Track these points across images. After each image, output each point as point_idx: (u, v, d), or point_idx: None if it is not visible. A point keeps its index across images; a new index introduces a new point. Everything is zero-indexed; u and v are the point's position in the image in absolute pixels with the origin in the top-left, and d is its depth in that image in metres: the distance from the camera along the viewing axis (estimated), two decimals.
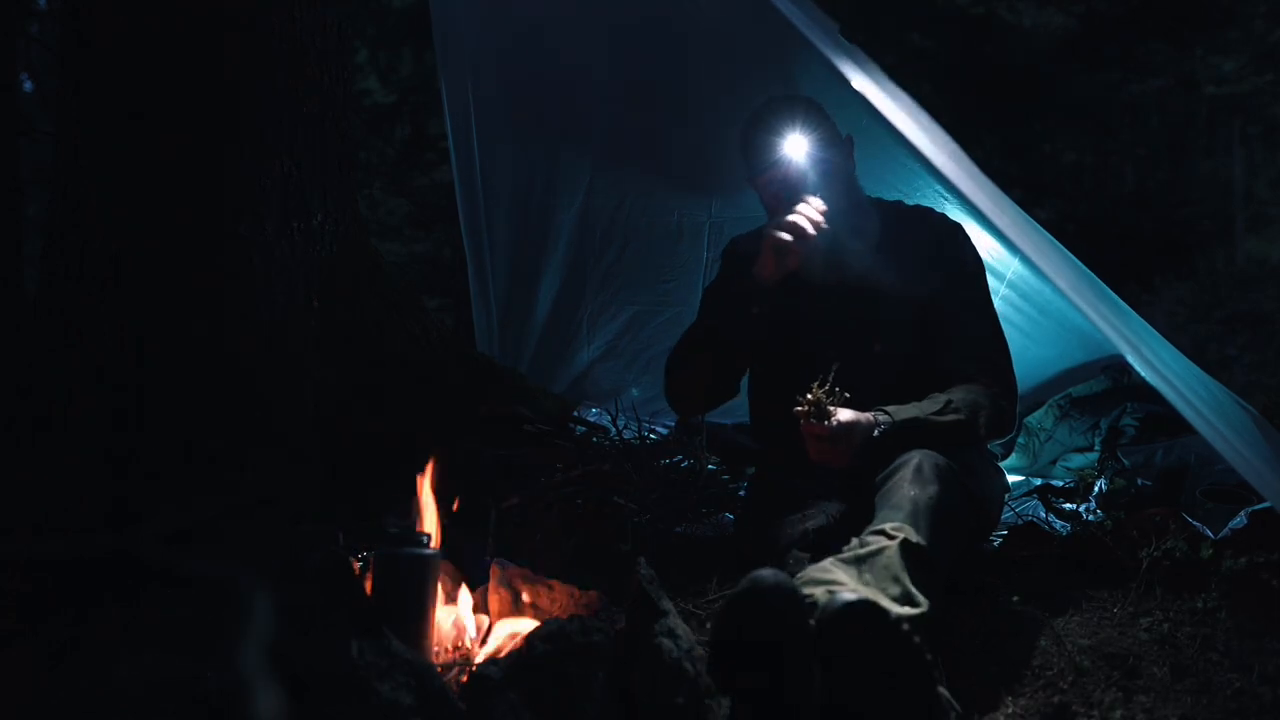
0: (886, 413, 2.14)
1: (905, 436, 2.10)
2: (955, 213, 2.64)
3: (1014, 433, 2.97)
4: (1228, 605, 1.96)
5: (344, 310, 2.78)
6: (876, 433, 2.09)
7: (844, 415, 2.04)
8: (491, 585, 2.01)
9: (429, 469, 2.00)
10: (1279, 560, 2.10)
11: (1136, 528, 2.29)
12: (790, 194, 2.29)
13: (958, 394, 2.22)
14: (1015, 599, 2.02)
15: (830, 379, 2.00)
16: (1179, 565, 2.12)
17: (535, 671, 1.47)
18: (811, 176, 2.28)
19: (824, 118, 2.35)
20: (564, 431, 2.99)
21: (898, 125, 2.15)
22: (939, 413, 2.17)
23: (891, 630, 1.56)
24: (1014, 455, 3.21)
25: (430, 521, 1.94)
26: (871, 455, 2.08)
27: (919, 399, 2.20)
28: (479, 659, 1.79)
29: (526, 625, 1.88)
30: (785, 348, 2.35)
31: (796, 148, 2.28)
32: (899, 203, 2.55)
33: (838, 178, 2.31)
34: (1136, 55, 7.77)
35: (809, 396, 2.00)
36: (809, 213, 2.20)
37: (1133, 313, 2.43)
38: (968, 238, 2.40)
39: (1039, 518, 2.59)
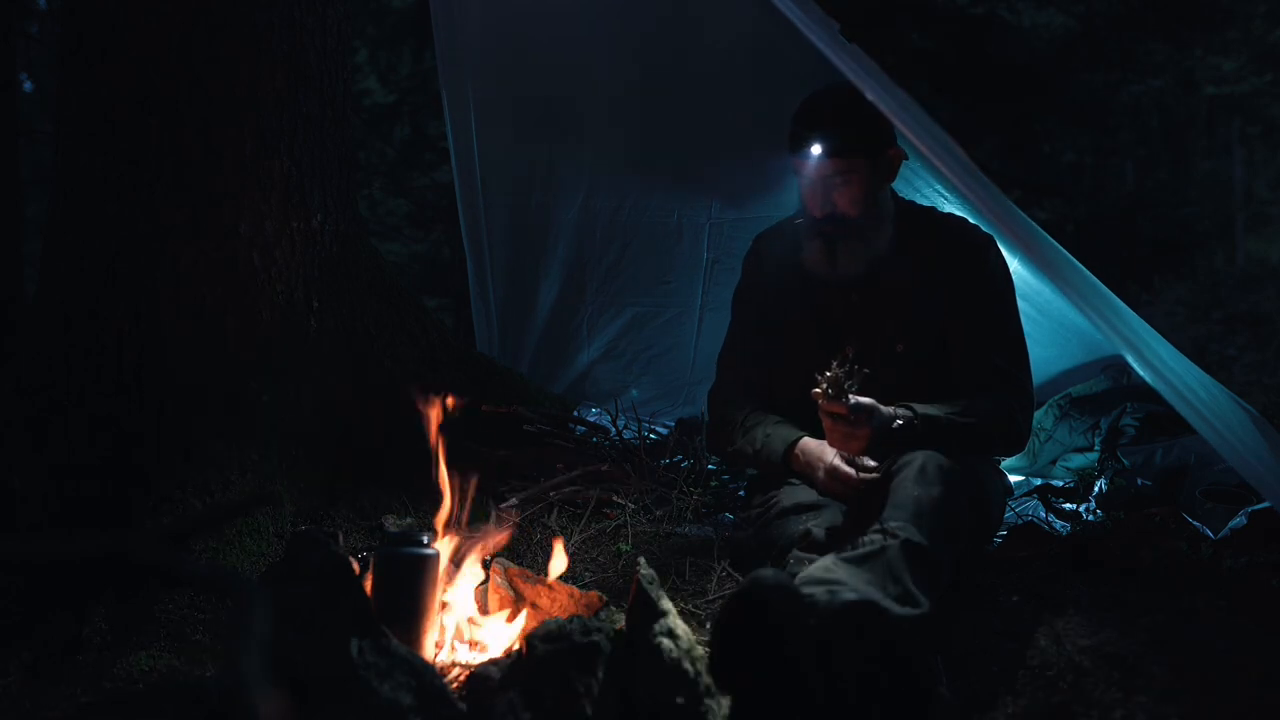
0: (909, 407, 2.14)
1: (921, 435, 2.09)
2: (956, 211, 2.65)
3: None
4: (1228, 605, 1.96)
5: (344, 310, 2.78)
6: (896, 424, 2.09)
7: (864, 399, 2.04)
8: (491, 585, 2.01)
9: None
10: (1279, 560, 2.10)
11: (1136, 528, 2.29)
12: (808, 183, 2.29)
13: (978, 401, 2.22)
14: (1015, 599, 2.02)
15: (849, 359, 1.99)
16: (1179, 565, 2.12)
17: (535, 671, 1.47)
18: (833, 170, 2.26)
19: (870, 119, 2.24)
20: (564, 431, 2.99)
21: (898, 124, 2.15)
22: (959, 414, 2.17)
23: (892, 630, 1.56)
24: (1014, 455, 3.21)
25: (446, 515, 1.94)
26: (892, 448, 2.08)
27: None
28: (479, 659, 1.79)
29: (525, 625, 1.88)
30: (804, 346, 2.34)
31: (825, 142, 2.25)
32: (931, 209, 2.53)
33: (855, 180, 2.28)
34: (1136, 55, 7.76)
35: (827, 374, 1.99)
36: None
37: (1132, 313, 2.43)
38: (998, 252, 2.37)
39: (1039, 518, 2.59)
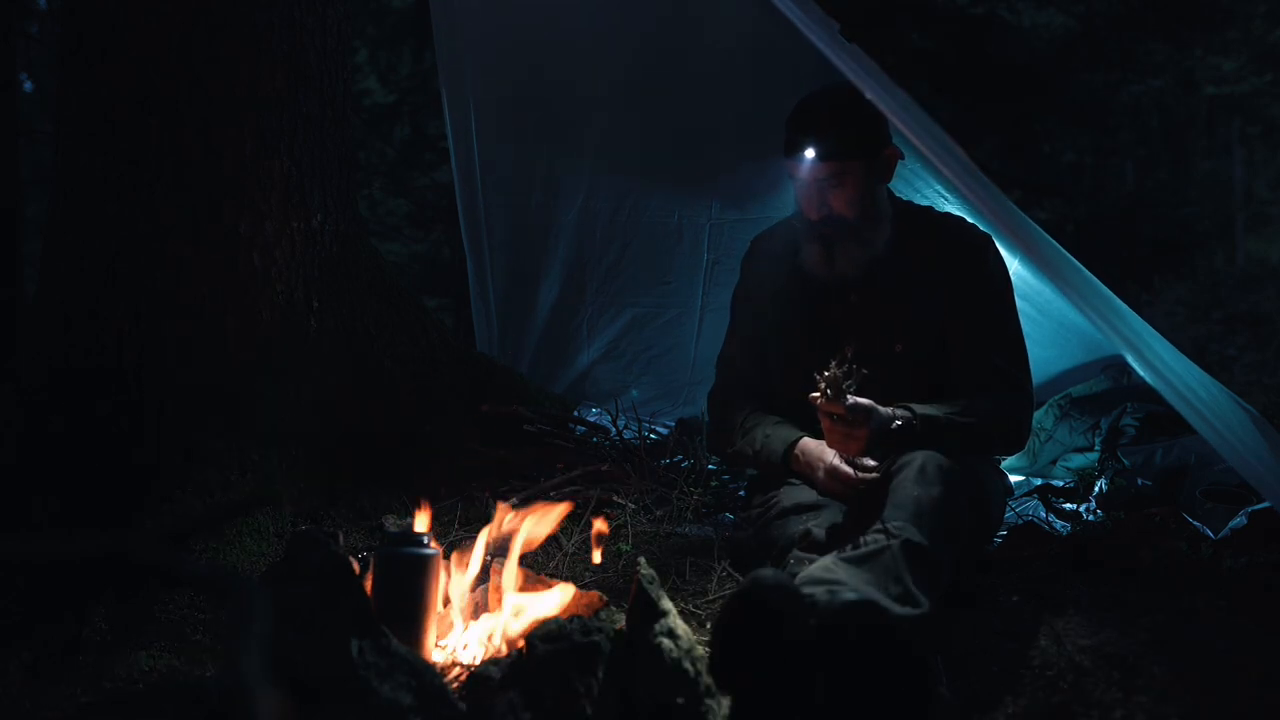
0: (908, 408, 2.14)
1: (920, 435, 2.09)
2: (956, 211, 2.64)
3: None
4: (1228, 605, 1.96)
5: (344, 310, 2.78)
6: (895, 425, 2.09)
7: (862, 399, 2.04)
8: (491, 585, 2.01)
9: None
10: (1279, 560, 2.10)
11: (1136, 528, 2.29)
12: (803, 185, 2.29)
13: (978, 401, 2.22)
14: (1015, 599, 2.02)
15: (848, 359, 1.99)
16: (1179, 565, 2.12)
17: (535, 671, 1.47)
18: (828, 173, 2.25)
19: (865, 120, 2.25)
20: (564, 431, 2.99)
21: (898, 125, 2.15)
22: (958, 414, 2.17)
23: (892, 630, 1.56)
24: (1014, 455, 3.21)
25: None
26: (891, 448, 2.08)
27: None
28: (479, 659, 1.79)
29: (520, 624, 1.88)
30: (802, 347, 2.34)
31: (818, 146, 2.24)
32: (929, 208, 2.52)
33: (850, 182, 2.27)
34: (1136, 55, 7.77)
35: (826, 374, 1.99)
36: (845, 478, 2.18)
37: (1132, 313, 2.43)
38: (997, 251, 2.37)
39: (1039, 518, 2.59)
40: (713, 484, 2.77)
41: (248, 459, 2.43)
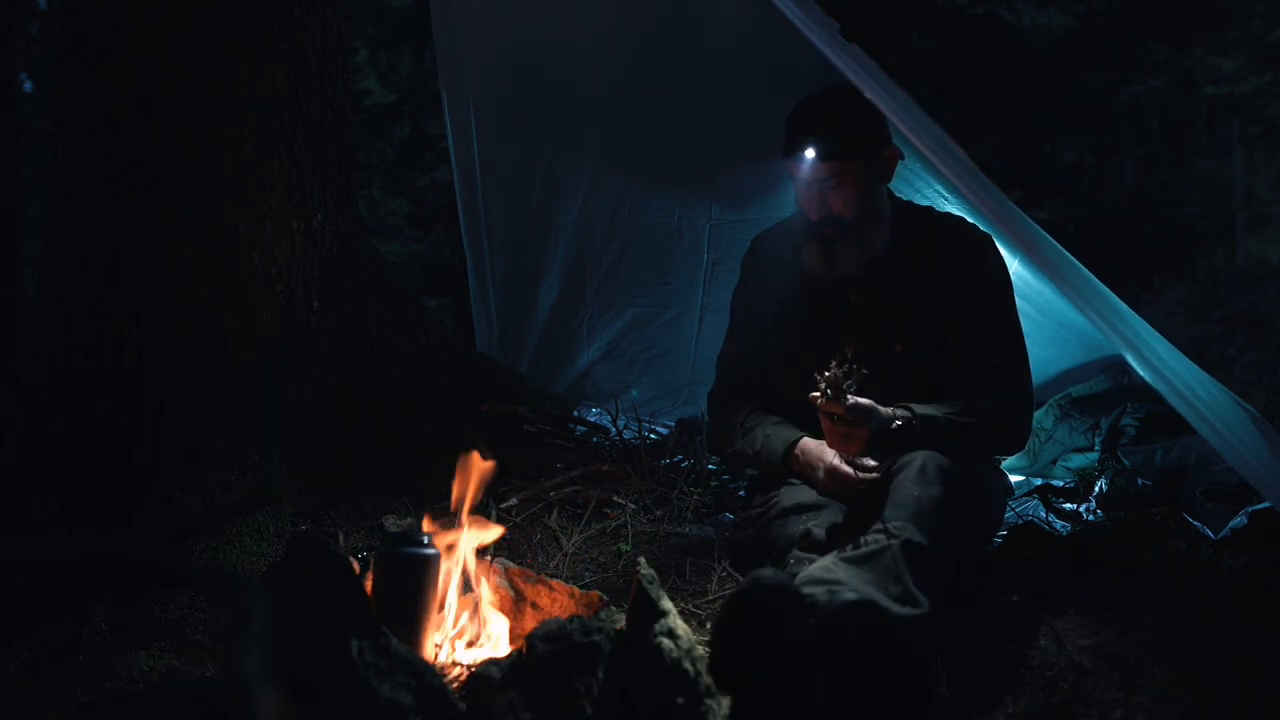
0: (908, 408, 2.14)
1: (920, 435, 2.10)
2: (956, 211, 2.64)
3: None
4: (1228, 605, 1.96)
5: (344, 310, 2.78)
6: (895, 425, 2.10)
7: (862, 399, 2.04)
8: (491, 585, 2.01)
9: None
10: (1279, 560, 2.10)
11: (1136, 528, 2.29)
12: (802, 185, 2.29)
13: (978, 401, 2.22)
14: (1015, 599, 2.02)
15: (848, 359, 1.99)
16: (1179, 565, 2.12)
17: (535, 671, 1.47)
18: (827, 173, 2.25)
19: (864, 120, 2.26)
20: (564, 431, 2.99)
21: (898, 125, 2.15)
22: (958, 414, 2.17)
23: (892, 630, 1.56)
24: (1014, 455, 3.21)
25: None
26: (891, 448, 2.08)
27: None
28: (479, 659, 1.79)
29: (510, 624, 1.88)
30: (802, 347, 2.34)
31: (818, 146, 2.24)
32: (929, 208, 2.52)
33: (850, 182, 2.27)
34: (1136, 55, 7.77)
35: (826, 375, 1.99)
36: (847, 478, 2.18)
37: (1132, 313, 2.43)
38: (997, 251, 2.37)
39: (1039, 518, 2.59)
40: (713, 484, 2.77)
41: (248, 459, 2.43)
